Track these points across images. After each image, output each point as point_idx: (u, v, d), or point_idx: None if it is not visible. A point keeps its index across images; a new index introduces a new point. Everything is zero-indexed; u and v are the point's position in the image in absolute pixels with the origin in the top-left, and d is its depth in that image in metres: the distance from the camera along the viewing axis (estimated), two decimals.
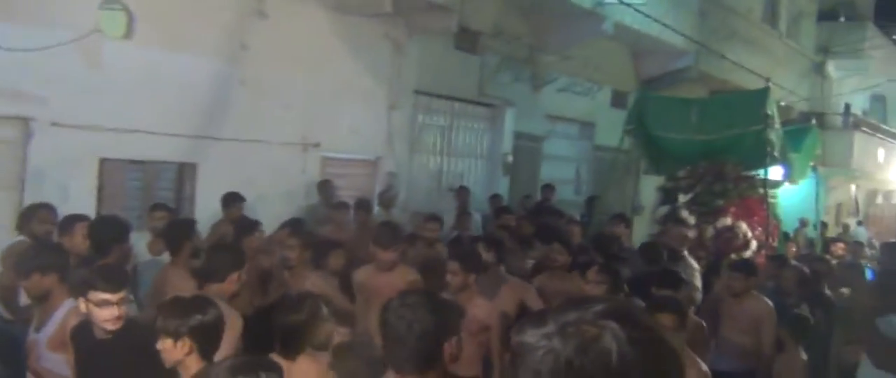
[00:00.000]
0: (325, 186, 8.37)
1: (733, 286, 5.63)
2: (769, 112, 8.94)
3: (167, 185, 7.57)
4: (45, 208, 5.37)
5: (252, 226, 5.70)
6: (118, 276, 3.43)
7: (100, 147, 6.68)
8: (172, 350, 2.95)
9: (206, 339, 3.01)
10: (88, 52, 6.53)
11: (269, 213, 7.10)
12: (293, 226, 5.91)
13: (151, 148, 7.05)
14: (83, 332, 3.41)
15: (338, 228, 7.19)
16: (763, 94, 9.32)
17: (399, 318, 2.44)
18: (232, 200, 6.91)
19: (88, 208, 6.24)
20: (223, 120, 7.59)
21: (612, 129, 11.86)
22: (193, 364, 2.97)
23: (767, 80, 9.77)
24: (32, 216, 5.26)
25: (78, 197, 6.32)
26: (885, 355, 4.95)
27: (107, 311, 3.27)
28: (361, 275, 5.13)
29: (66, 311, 3.64)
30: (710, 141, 9.15)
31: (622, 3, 10.67)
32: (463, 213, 8.76)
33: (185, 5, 7.20)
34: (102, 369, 3.33)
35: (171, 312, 3.02)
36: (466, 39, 10.48)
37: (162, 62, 7.01)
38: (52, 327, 3.70)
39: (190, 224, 5.46)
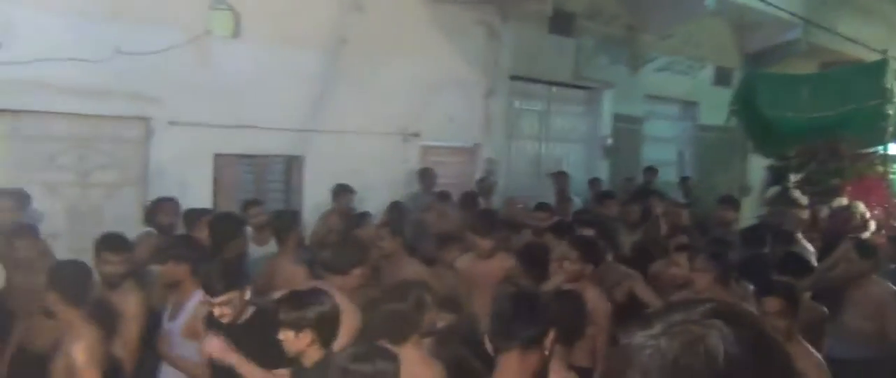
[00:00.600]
0: (425, 175, 8.49)
1: (851, 269, 5.37)
2: (888, 85, 8.47)
3: (276, 178, 7.87)
4: (169, 202, 5.72)
5: (362, 218, 5.83)
6: (224, 279, 3.47)
7: (213, 143, 7.01)
8: (294, 341, 3.08)
9: (326, 330, 3.14)
10: (200, 52, 6.84)
11: (373, 202, 7.30)
12: (391, 210, 5.97)
13: (261, 142, 7.34)
14: (214, 320, 3.60)
15: (440, 217, 7.28)
16: (881, 66, 8.85)
17: (506, 298, 2.54)
18: (342, 191, 7.11)
19: (205, 201, 6.61)
20: (326, 113, 7.80)
21: (716, 107, 11.47)
22: (314, 353, 3.10)
23: (885, 51, 9.22)
24: (158, 209, 5.61)
25: (196, 190, 6.65)
26: None
27: (216, 310, 3.45)
28: (462, 262, 5.23)
29: (197, 302, 3.86)
30: (823, 117, 8.76)
31: None
32: (563, 198, 8.68)
33: (287, 3, 7.43)
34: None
35: (291, 305, 3.14)
36: (561, 22, 10.34)
37: (268, 59, 7.28)
38: (184, 316, 3.95)
39: (295, 215, 5.67)
